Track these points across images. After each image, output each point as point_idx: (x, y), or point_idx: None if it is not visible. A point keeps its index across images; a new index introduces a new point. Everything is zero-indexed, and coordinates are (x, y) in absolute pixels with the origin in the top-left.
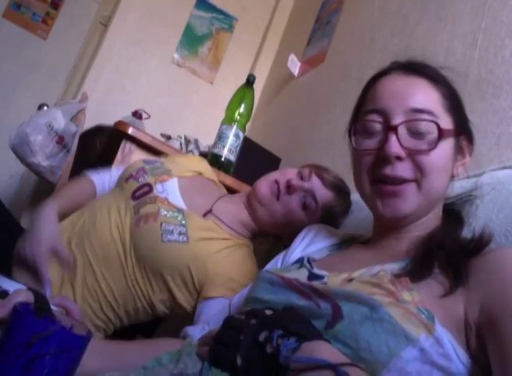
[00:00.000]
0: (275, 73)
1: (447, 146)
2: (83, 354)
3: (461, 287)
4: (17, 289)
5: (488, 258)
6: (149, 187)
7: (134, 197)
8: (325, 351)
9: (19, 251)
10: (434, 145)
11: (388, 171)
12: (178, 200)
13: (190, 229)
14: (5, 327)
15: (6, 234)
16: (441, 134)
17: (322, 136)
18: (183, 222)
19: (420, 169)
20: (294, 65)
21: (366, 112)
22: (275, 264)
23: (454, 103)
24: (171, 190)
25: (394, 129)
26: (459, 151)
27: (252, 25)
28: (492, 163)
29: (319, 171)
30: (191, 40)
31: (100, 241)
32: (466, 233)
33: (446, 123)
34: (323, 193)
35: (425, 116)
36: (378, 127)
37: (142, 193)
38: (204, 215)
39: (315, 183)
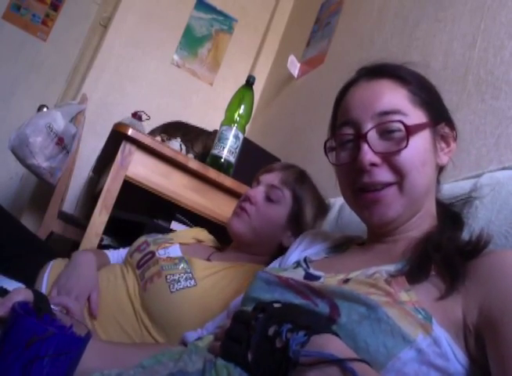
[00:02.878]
0: (274, 74)
1: (421, 140)
2: (82, 355)
3: (459, 290)
4: (17, 288)
5: (487, 260)
6: (152, 254)
7: (138, 266)
8: (333, 345)
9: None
10: (404, 143)
11: (366, 179)
12: (178, 253)
13: (195, 272)
14: (4, 327)
15: (6, 233)
16: (409, 131)
17: (321, 137)
18: (187, 268)
19: (397, 171)
20: (294, 66)
21: (339, 126)
22: (272, 266)
23: (425, 96)
24: (172, 252)
25: (364, 137)
26: (441, 140)
27: (252, 26)
28: (492, 164)
29: (263, 170)
30: (191, 41)
31: (113, 311)
32: (466, 234)
33: (417, 117)
34: (275, 177)
35: (392, 116)
36: (351, 138)
37: (145, 261)
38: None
39: (266, 178)
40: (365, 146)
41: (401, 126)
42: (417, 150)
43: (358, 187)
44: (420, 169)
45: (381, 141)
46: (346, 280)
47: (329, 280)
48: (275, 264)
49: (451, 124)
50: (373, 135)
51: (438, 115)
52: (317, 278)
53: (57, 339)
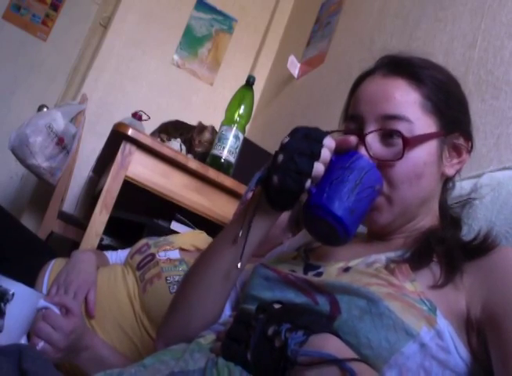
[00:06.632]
0: (274, 74)
1: (423, 151)
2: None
3: (463, 284)
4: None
5: (492, 256)
6: (152, 256)
7: (138, 267)
8: (332, 344)
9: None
10: (399, 155)
11: None
12: (178, 256)
13: None
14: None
15: (6, 233)
16: (407, 143)
17: None
18: (187, 270)
19: (388, 181)
20: (294, 66)
21: (346, 119)
22: (280, 249)
23: (441, 102)
24: (172, 254)
25: (363, 139)
26: (452, 150)
27: (252, 26)
28: (492, 164)
29: None
30: (191, 41)
31: (113, 314)
32: (466, 233)
33: (424, 126)
34: None
35: (395, 123)
36: (354, 134)
37: (145, 263)
38: None
39: None
40: (362, 149)
41: (400, 135)
42: (414, 163)
43: None
44: (413, 182)
45: (381, 145)
46: (346, 269)
47: (329, 268)
48: (284, 246)
49: (467, 135)
50: (374, 138)
51: (453, 124)
52: (317, 267)
53: (374, 173)
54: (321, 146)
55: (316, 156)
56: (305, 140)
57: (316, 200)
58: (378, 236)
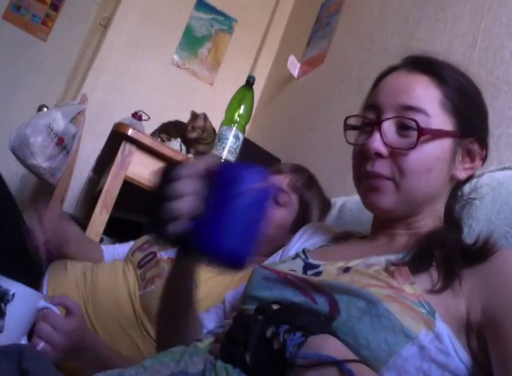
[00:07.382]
0: (274, 74)
1: (436, 147)
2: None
3: (462, 291)
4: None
5: (491, 261)
6: (153, 254)
7: (139, 265)
8: (330, 346)
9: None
10: (413, 145)
11: (369, 167)
12: None
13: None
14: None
15: (7, 232)
16: (422, 133)
17: (321, 137)
18: None
19: (398, 169)
20: (294, 66)
21: (365, 107)
22: (273, 260)
23: (461, 104)
24: (173, 254)
25: (379, 125)
26: (466, 154)
27: (252, 26)
28: (492, 164)
29: (272, 170)
30: (191, 41)
31: (110, 314)
32: (466, 233)
33: (441, 123)
34: (283, 180)
35: (412, 113)
36: (371, 122)
37: (146, 261)
38: None
39: (273, 180)
40: (377, 134)
41: (415, 126)
42: (426, 156)
43: (362, 173)
44: (423, 175)
45: (397, 135)
46: (346, 269)
47: (329, 267)
48: (275, 257)
49: (482, 143)
50: (390, 127)
51: (469, 128)
52: (316, 266)
53: (247, 175)
54: (180, 182)
55: (177, 195)
56: (165, 185)
57: (202, 241)
58: (382, 226)
